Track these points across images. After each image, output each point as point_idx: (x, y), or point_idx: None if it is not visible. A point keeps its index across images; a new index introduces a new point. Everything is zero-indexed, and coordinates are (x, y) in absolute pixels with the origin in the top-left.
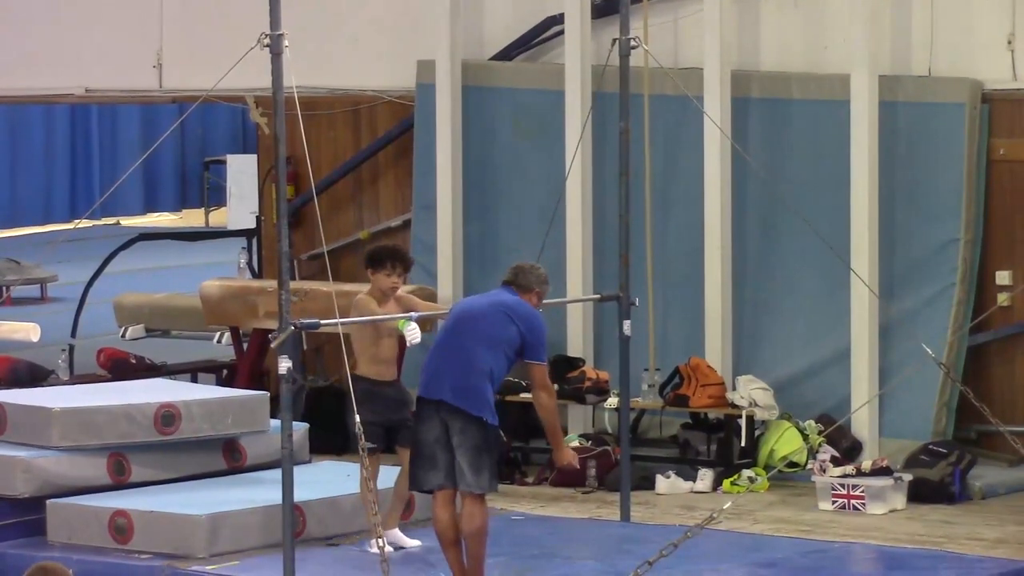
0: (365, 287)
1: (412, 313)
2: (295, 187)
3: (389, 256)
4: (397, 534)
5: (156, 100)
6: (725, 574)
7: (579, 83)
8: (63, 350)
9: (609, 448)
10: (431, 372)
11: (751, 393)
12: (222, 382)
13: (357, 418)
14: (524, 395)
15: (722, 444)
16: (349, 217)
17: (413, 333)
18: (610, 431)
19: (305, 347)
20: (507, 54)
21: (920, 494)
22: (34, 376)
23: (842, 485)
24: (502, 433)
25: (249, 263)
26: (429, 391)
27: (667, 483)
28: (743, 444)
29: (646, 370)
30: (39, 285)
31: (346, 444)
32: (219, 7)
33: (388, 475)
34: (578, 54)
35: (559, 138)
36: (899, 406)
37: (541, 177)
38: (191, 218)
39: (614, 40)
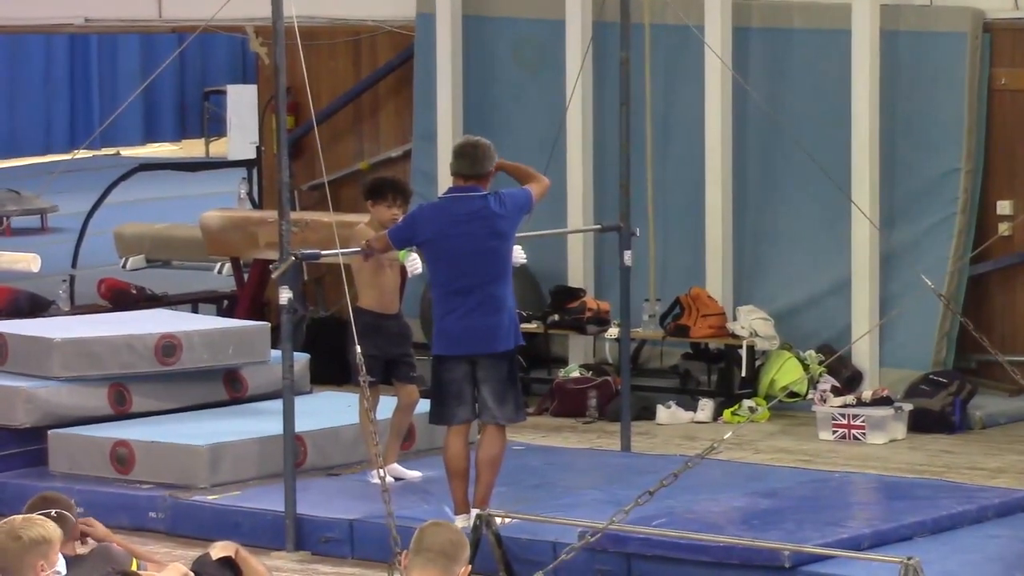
0: (365, 218)
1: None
2: (295, 117)
3: (390, 188)
4: (397, 468)
5: (156, 30)
6: (725, 503)
7: (579, 12)
8: (64, 280)
9: (610, 378)
10: (456, 333)
11: (752, 323)
12: (223, 312)
13: (358, 349)
14: (524, 325)
15: (723, 374)
16: (349, 147)
17: (414, 264)
18: (611, 361)
19: (306, 278)
20: None
21: (920, 424)
22: (35, 306)
23: (842, 415)
24: (521, 359)
25: (249, 193)
26: (457, 349)
27: (668, 413)
28: (744, 374)
29: (646, 300)
30: (39, 216)
31: (347, 375)
32: None
33: (387, 406)
34: None
35: (559, 68)
36: (900, 336)
37: (541, 107)
38: (191, 148)
39: None
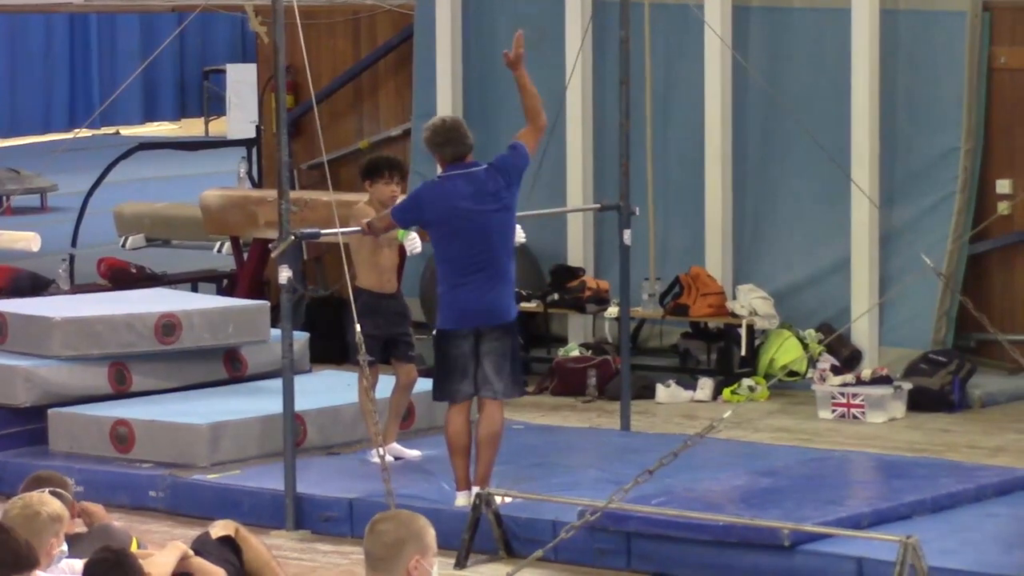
0: (365, 197)
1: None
2: (295, 97)
3: (386, 165)
4: (396, 447)
5: (155, 9)
6: (725, 482)
7: None
8: (64, 260)
9: (609, 357)
10: (465, 307)
11: (751, 302)
12: (222, 292)
13: (357, 328)
14: (523, 304)
15: (722, 353)
16: (349, 127)
17: (413, 243)
18: (610, 340)
19: (305, 257)
20: None
21: (920, 403)
22: (35, 286)
23: (842, 394)
24: (520, 338)
25: (249, 172)
26: (466, 323)
27: (667, 392)
28: (743, 353)
29: (646, 279)
30: (39, 195)
31: (346, 354)
32: None
33: (386, 385)
34: None
35: (559, 47)
36: (899, 315)
37: (541, 86)
38: (190, 127)
39: None
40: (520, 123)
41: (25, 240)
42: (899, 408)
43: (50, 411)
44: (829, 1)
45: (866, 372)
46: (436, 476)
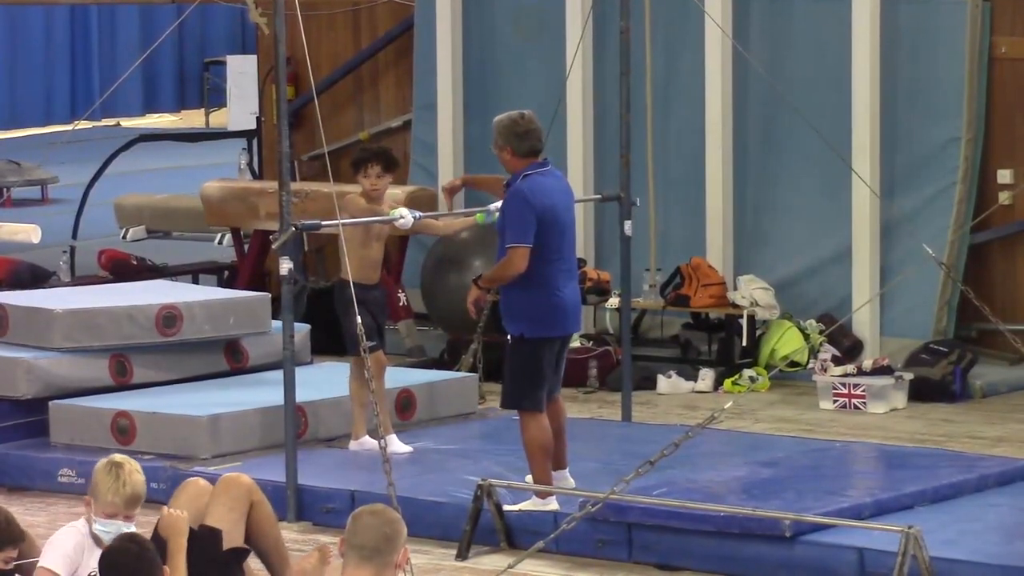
0: (359, 188)
1: (402, 208)
2: (295, 88)
3: (366, 159)
4: (369, 440)
5: (155, 0)
6: (726, 473)
7: None
8: (64, 252)
9: (610, 348)
10: (571, 310)
11: (752, 293)
12: (223, 283)
13: (359, 319)
14: None
15: (723, 344)
16: (350, 118)
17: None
18: (611, 331)
19: (306, 248)
20: None
21: (921, 393)
22: (35, 278)
23: (843, 384)
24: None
25: (250, 164)
26: (572, 327)
27: (668, 383)
28: (744, 344)
29: (647, 270)
30: (40, 187)
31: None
32: None
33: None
34: None
35: (560, 37)
36: (900, 305)
37: (542, 77)
38: (191, 118)
39: None
40: None
41: (25, 232)
42: (900, 398)
43: (51, 403)
44: None
45: (867, 362)
46: (434, 469)
